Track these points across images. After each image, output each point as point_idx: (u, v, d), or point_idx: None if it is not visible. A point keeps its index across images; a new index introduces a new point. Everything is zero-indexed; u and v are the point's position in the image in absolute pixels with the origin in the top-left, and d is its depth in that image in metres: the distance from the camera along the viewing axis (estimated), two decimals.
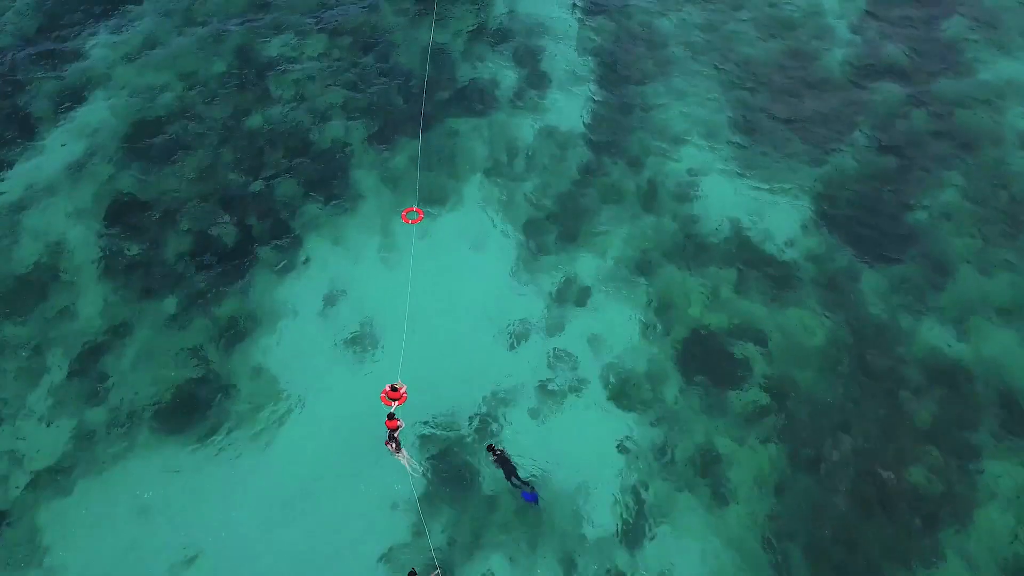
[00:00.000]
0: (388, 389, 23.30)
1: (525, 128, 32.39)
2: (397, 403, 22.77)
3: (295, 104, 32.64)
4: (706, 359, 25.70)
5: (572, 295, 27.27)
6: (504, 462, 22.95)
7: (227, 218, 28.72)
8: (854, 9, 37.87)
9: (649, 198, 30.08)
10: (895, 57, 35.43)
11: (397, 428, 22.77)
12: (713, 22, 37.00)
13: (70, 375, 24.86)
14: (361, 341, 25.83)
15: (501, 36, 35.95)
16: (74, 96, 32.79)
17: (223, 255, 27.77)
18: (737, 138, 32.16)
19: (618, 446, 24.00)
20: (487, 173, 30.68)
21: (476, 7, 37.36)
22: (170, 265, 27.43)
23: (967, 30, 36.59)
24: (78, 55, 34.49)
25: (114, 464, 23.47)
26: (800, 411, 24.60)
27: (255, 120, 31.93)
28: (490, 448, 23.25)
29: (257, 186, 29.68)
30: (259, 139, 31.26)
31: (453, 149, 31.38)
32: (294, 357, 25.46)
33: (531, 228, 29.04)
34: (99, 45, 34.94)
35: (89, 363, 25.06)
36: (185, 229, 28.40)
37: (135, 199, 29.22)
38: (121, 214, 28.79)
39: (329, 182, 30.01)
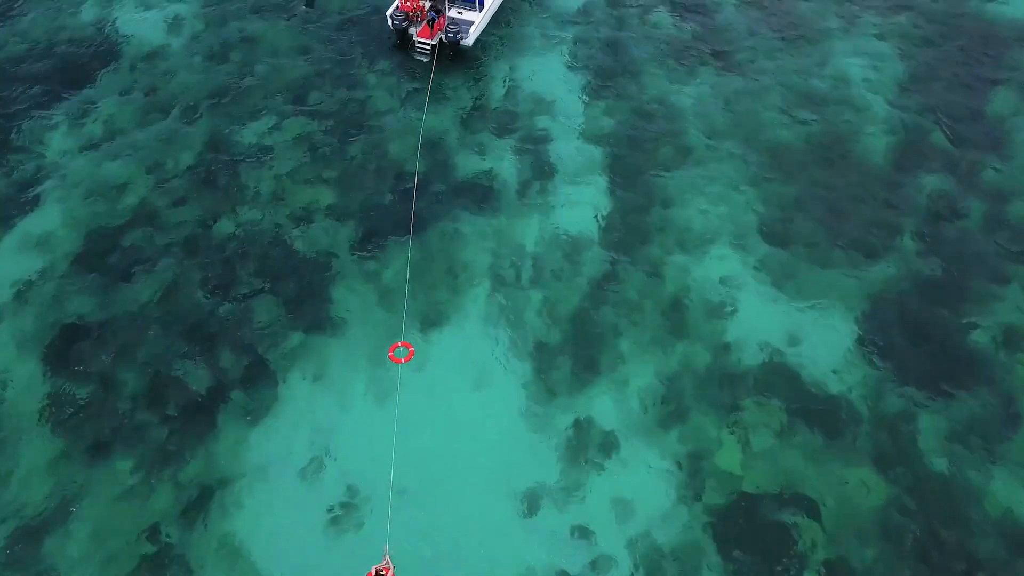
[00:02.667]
0: (373, 573, 19.96)
1: (530, 230, 28.82)
2: None
3: (272, 204, 28.98)
4: (747, 530, 22.16)
5: (591, 445, 23.69)
6: None
7: (193, 351, 25.04)
8: (887, 80, 34.48)
9: (674, 317, 26.56)
10: (937, 138, 32.03)
11: None
12: (735, 97, 33.51)
13: (2, 566, 21.16)
14: (346, 510, 22.20)
15: (501, 118, 32.38)
16: (23, 198, 29.06)
17: (187, 399, 24.08)
18: (769, 241, 28.67)
19: None
20: (489, 286, 27.11)
21: (473, 82, 33.79)
22: (126, 413, 23.72)
23: (1015, 102, 33.27)
24: (28, 146, 30.76)
25: None
26: None
27: (226, 225, 28.26)
28: None
29: (228, 309, 26.01)
30: (231, 249, 27.59)
31: (450, 257, 27.80)
32: (269, 532, 21.80)
33: (541, 357, 25.47)
34: (53, 133, 31.22)
35: (28, 549, 21.34)
36: (144, 364, 24.71)
37: (88, 328, 25.50)
38: (71, 347, 25.06)
39: (310, 303, 26.37)
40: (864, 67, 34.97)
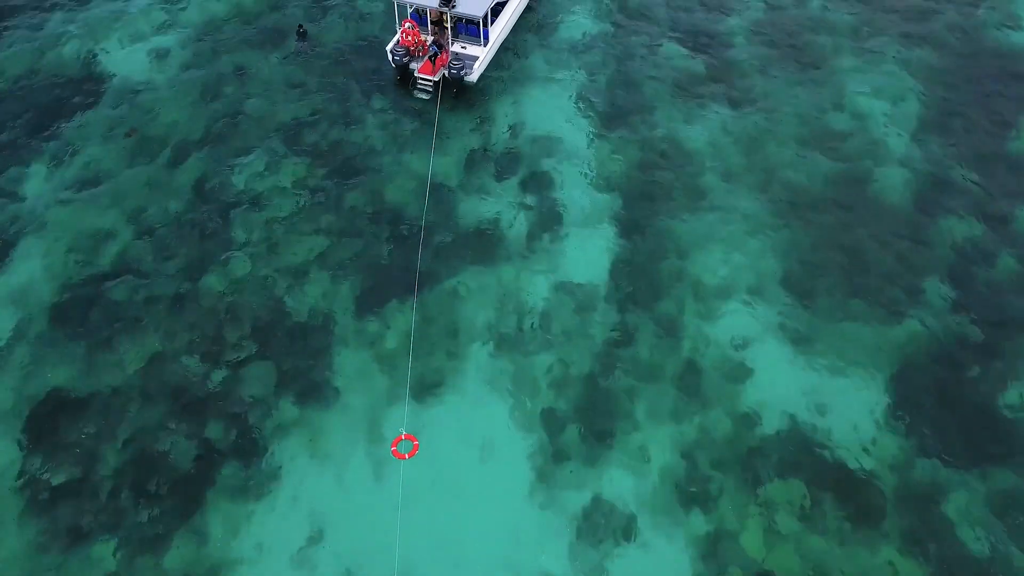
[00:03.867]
0: None
1: (537, 283, 27.31)
2: None
3: (265, 257, 27.41)
4: None
5: (605, 524, 22.18)
6: None
7: (179, 424, 23.47)
8: (905, 116, 33.03)
9: (690, 380, 25.08)
10: (960, 178, 30.60)
11: None
12: (749, 135, 32.02)
13: None
14: None
15: (506, 160, 30.84)
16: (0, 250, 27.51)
17: (173, 477, 22.50)
18: (788, 294, 27.21)
19: None
20: (494, 347, 25.59)
21: (476, 121, 32.23)
22: (107, 496, 22.14)
23: None
24: (5, 190, 29.14)
25: None
26: None
27: (215, 281, 26.67)
28: None
29: (218, 377, 24.44)
30: (220, 308, 26.02)
31: (452, 314, 26.28)
32: None
33: (550, 426, 23.95)
34: (31, 177, 29.62)
35: None
36: (127, 441, 23.14)
37: (67, 399, 23.92)
38: (47, 421, 23.45)
39: (304, 369, 24.82)
40: (881, 103, 33.51)
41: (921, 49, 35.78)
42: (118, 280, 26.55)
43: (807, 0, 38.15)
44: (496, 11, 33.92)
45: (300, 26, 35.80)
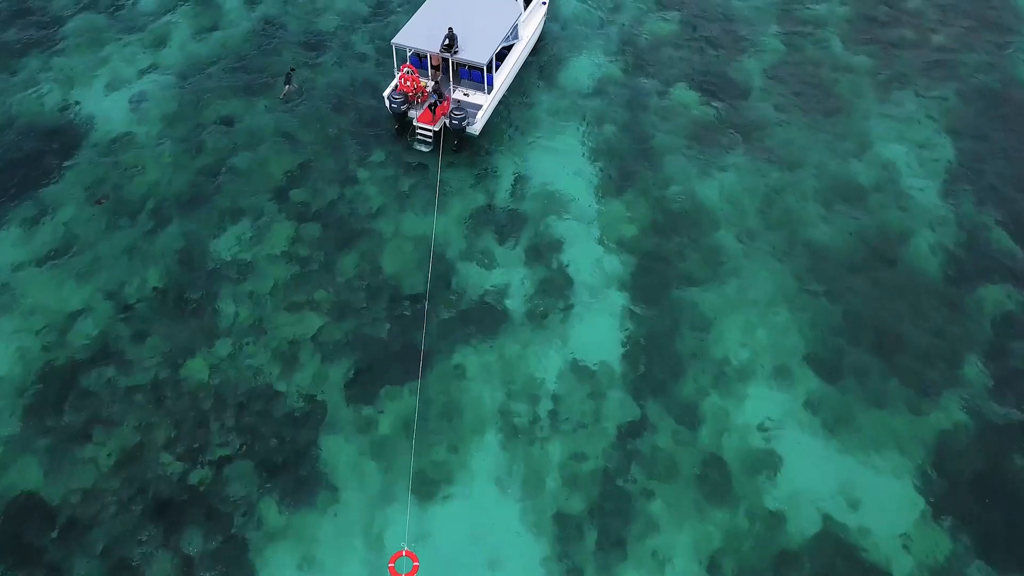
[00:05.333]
0: None
1: (546, 363, 25.35)
2: None
3: (251, 336, 25.40)
4: None
5: None
6: None
7: (156, 532, 21.44)
8: (934, 166, 31.18)
9: (713, 475, 23.15)
10: (997, 238, 28.77)
11: None
12: (769, 191, 30.09)
13: None
14: None
15: (511, 221, 28.85)
16: None
17: None
18: (815, 374, 25.29)
19: None
20: (501, 439, 23.61)
21: (478, 177, 30.22)
22: None
23: None
24: None
25: None
26: None
27: (198, 365, 24.65)
28: None
29: (199, 477, 22.41)
30: (203, 397, 23.99)
31: (456, 401, 24.32)
32: None
33: (564, 531, 21.99)
34: (1, 244, 27.55)
35: None
36: (100, 552, 21.13)
37: (35, 504, 21.86)
38: (15, 530, 21.44)
39: (294, 465, 22.80)
40: (908, 151, 31.65)
41: (946, 92, 33.90)
42: (93, 366, 24.49)
43: (824, 40, 36.25)
44: (501, 55, 31.89)
45: (292, 69, 33.77)
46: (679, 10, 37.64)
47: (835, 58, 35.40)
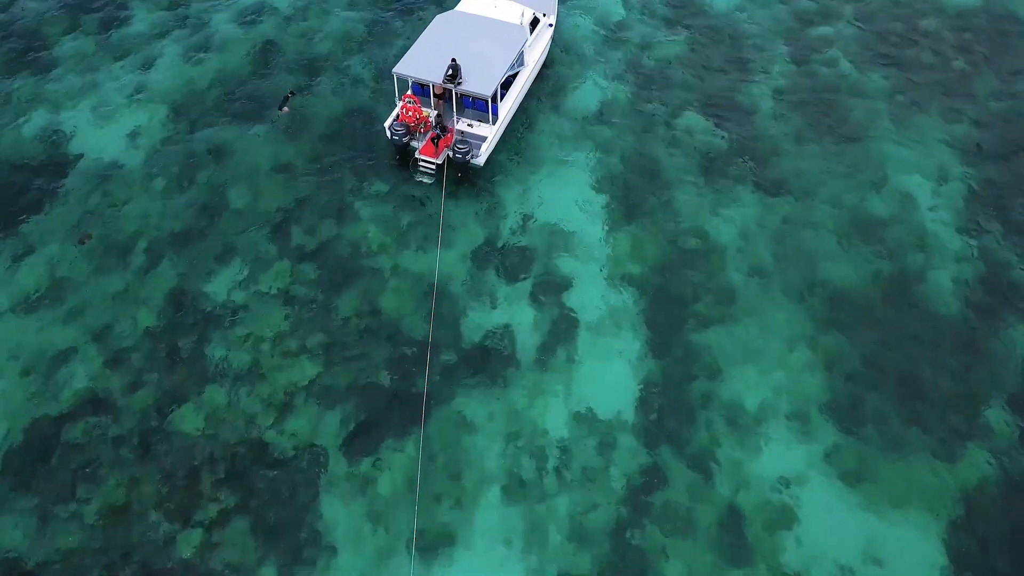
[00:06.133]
0: None
1: (553, 410, 24.25)
2: None
3: (245, 385, 24.27)
4: None
5: None
6: None
7: None
8: (954, 199, 30.09)
9: (729, 531, 22.06)
10: (1021, 277, 27.70)
11: None
12: (783, 225, 29.00)
13: None
14: None
15: (515, 259, 27.73)
16: None
17: None
18: (835, 421, 24.23)
19: None
20: (507, 494, 22.51)
21: (481, 211, 29.09)
22: None
23: None
24: None
25: None
26: None
27: (189, 416, 23.53)
28: None
29: (187, 539, 21.24)
30: (194, 450, 22.87)
31: (459, 453, 23.21)
32: None
33: None
34: None
35: None
36: None
37: (14, 566, 20.77)
38: None
39: (289, 525, 21.68)
40: (926, 182, 30.57)
41: (963, 118, 32.83)
42: (79, 416, 23.38)
43: (836, 62, 35.18)
44: (506, 83, 30.72)
45: (291, 92, 32.67)
46: (687, 29, 36.55)
47: (848, 81, 34.32)
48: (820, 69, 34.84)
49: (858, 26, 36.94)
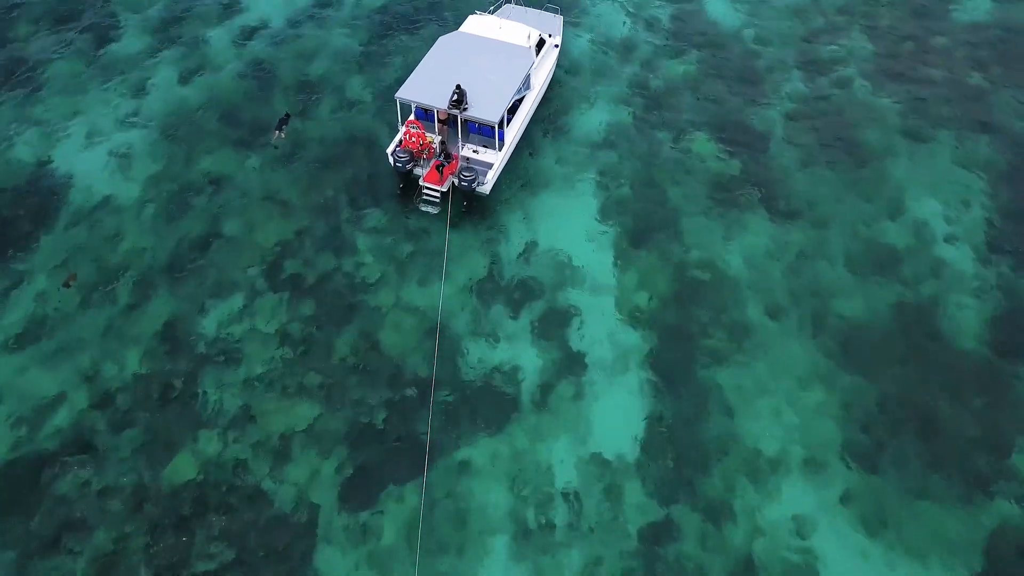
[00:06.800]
0: None
1: (560, 454, 23.29)
2: None
3: (239, 429, 23.29)
4: None
5: None
6: None
7: None
8: (972, 227, 29.16)
9: None
10: None
11: None
12: (796, 257, 28.04)
13: None
14: None
15: (520, 293, 26.77)
16: None
17: None
18: (853, 465, 23.28)
19: None
20: (512, 545, 21.53)
21: (485, 241, 28.12)
22: None
23: None
24: None
25: None
26: None
27: (181, 464, 22.52)
28: None
29: None
30: (185, 499, 21.87)
31: (461, 500, 22.22)
32: None
33: None
34: None
35: None
36: None
37: None
38: None
39: None
40: (942, 209, 29.65)
41: (980, 140, 31.91)
42: (66, 464, 22.36)
43: (848, 82, 34.23)
44: (512, 107, 29.63)
45: (287, 114, 31.73)
46: (695, 48, 35.59)
47: (860, 102, 33.38)
48: (831, 89, 33.91)
49: (869, 43, 36.01)
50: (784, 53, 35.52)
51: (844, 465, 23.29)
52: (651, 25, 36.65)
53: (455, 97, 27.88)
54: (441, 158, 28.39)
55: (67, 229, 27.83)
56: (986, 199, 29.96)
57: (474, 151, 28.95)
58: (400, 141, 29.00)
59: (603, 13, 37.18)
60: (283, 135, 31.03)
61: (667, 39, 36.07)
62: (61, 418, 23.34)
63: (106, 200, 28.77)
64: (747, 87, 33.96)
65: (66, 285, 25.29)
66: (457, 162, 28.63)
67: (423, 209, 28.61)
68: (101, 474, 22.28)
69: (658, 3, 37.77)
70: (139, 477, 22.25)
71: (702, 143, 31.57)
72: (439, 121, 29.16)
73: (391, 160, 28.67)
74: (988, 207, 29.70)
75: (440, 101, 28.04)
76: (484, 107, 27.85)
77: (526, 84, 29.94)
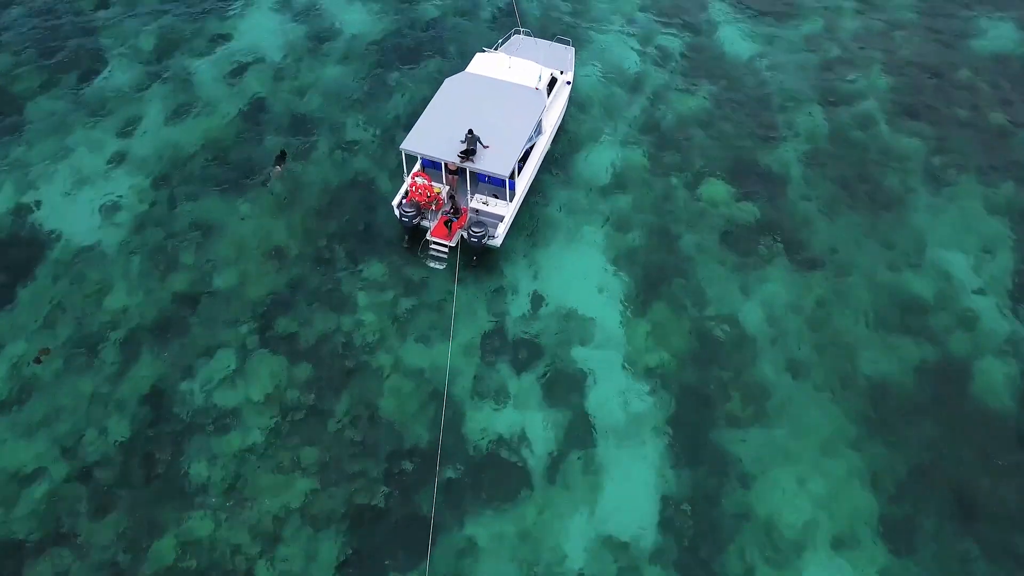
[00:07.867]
0: None
1: (570, 532, 21.83)
2: None
3: (229, 508, 21.80)
4: None
5: None
6: None
7: None
8: (1000, 276, 27.78)
9: None
10: None
11: None
12: (817, 311, 26.60)
13: None
14: None
15: (527, 352, 25.30)
16: None
17: None
18: (885, 541, 21.84)
19: None
20: None
21: (490, 296, 26.62)
22: None
23: None
24: None
25: None
26: None
27: (166, 547, 21.02)
28: None
29: None
30: None
31: None
32: None
33: None
34: None
35: None
36: None
37: None
38: None
39: None
40: (969, 257, 28.24)
41: (1007, 181, 30.51)
42: (42, 550, 20.86)
43: (868, 119, 32.80)
44: (523, 155, 27.96)
45: (283, 152, 30.30)
46: (708, 83, 34.11)
47: (881, 142, 31.95)
48: (850, 129, 32.45)
49: (889, 78, 34.53)
50: (799, 87, 34.04)
51: (873, 543, 21.83)
52: (662, 57, 35.20)
53: (466, 144, 26.36)
54: (450, 212, 26.89)
55: (49, 281, 26.34)
56: (1014, 245, 28.53)
57: (483, 203, 27.41)
58: (406, 193, 27.48)
59: (611, 44, 35.73)
60: (280, 173, 29.54)
61: (678, 72, 34.62)
62: (38, 495, 21.81)
63: (89, 250, 27.27)
64: (762, 125, 32.49)
65: (37, 361, 23.85)
66: (466, 215, 27.12)
67: (430, 265, 27.04)
68: (79, 560, 20.76)
69: (669, 32, 36.35)
70: (119, 562, 20.75)
71: (716, 186, 30.12)
72: (447, 172, 27.49)
73: (397, 213, 27.12)
74: (1017, 254, 28.29)
75: (449, 152, 26.47)
76: (495, 158, 26.34)
77: (538, 130, 28.45)
